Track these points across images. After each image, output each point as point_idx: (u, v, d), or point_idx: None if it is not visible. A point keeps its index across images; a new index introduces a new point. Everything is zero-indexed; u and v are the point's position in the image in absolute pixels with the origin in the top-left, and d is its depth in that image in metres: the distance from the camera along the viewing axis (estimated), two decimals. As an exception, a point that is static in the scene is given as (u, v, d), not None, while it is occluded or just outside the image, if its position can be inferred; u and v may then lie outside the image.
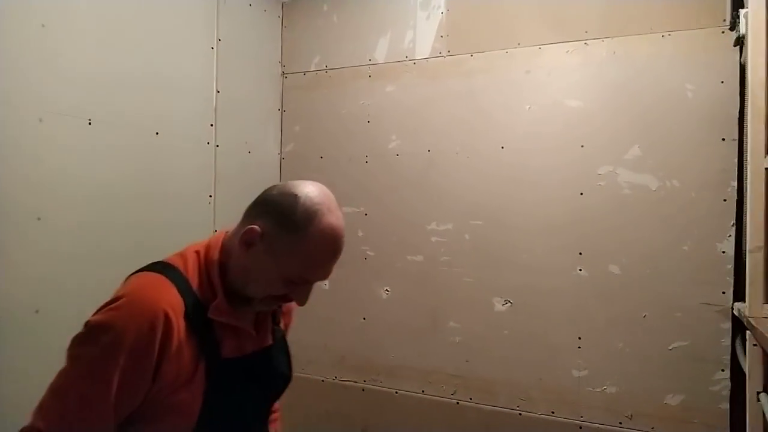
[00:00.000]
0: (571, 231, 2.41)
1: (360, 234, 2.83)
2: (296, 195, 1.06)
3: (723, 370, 2.16)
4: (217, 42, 2.69)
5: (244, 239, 1.06)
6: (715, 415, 2.15)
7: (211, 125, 2.67)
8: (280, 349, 1.31)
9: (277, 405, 1.41)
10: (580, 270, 2.39)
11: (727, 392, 2.14)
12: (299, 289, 1.11)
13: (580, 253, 2.39)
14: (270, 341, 1.26)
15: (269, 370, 1.24)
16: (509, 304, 2.51)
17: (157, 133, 2.37)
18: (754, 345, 1.76)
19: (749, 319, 1.76)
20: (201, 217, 2.62)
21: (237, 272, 1.10)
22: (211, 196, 2.65)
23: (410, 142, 2.74)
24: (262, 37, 3.01)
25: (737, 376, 2.14)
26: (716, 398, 2.16)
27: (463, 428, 2.55)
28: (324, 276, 1.10)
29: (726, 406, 2.14)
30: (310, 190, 1.08)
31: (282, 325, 1.36)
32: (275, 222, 1.05)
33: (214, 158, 2.67)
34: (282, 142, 3.06)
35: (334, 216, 1.08)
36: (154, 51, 2.36)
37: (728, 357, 2.15)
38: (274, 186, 1.12)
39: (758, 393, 1.74)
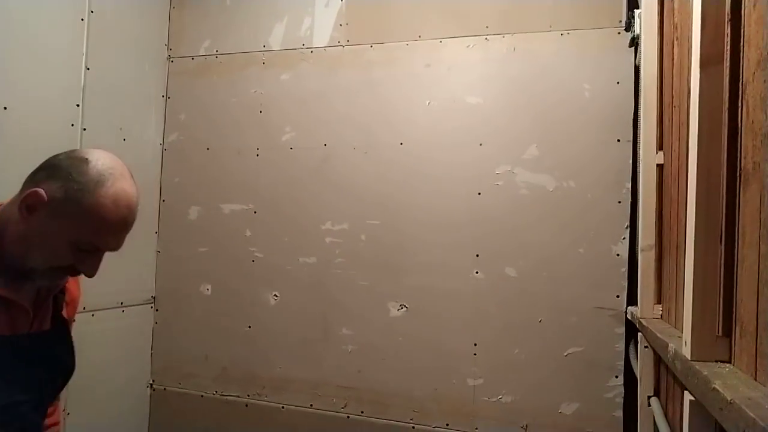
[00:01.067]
0: (469, 232, 2.29)
1: (248, 234, 2.59)
2: (87, 159, 1.02)
3: (617, 377, 2.10)
4: (89, 13, 2.38)
5: (25, 203, 0.96)
6: (608, 424, 2.09)
7: (78, 105, 2.35)
8: (61, 337, 1.17)
9: (57, 417, 1.20)
10: (477, 272, 2.28)
11: (620, 399, 2.08)
12: (88, 259, 1.05)
13: (477, 255, 2.28)
14: (48, 326, 1.13)
15: (45, 357, 1.10)
16: (405, 308, 2.35)
17: (5, 108, 2.04)
18: (646, 347, 1.69)
19: (641, 320, 1.70)
20: (60, 209, 2.28)
21: (15, 241, 0.99)
22: (73, 186, 2.32)
23: (305, 136, 2.54)
24: (145, 15, 2.72)
25: (630, 382, 2.09)
26: (610, 405, 2.09)
27: (354, 445, 2.36)
28: (115, 246, 1.06)
29: (619, 413, 2.08)
30: (101, 155, 1.05)
31: (65, 313, 1.17)
32: (63, 185, 0.97)
33: (79, 143, 2.35)
34: (165, 131, 2.77)
35: (127, 183, 1.06)
36: (10, 10, 2.04)
37: (622, 363, 2.10)
38: (61, 153, 1.05)
39: (649, 397, 1.67)
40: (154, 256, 2.73)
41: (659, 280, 1.72)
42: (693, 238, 1.02)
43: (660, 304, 1.71)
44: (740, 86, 0.95)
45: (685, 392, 1.03)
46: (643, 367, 1.69)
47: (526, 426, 2.17)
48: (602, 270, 2.15)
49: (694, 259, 1.02)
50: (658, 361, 1.67)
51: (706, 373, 0.88)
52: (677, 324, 1.46)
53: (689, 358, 0.99)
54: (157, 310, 2.70)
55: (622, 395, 2.08)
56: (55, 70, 2.25)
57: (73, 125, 2.33)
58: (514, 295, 2.23)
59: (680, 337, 1.31)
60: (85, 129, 2.37)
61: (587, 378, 2.12)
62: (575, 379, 2.14)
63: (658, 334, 1.35)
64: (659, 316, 1.69)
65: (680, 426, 1.30)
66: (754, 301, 0.84)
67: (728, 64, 0.99)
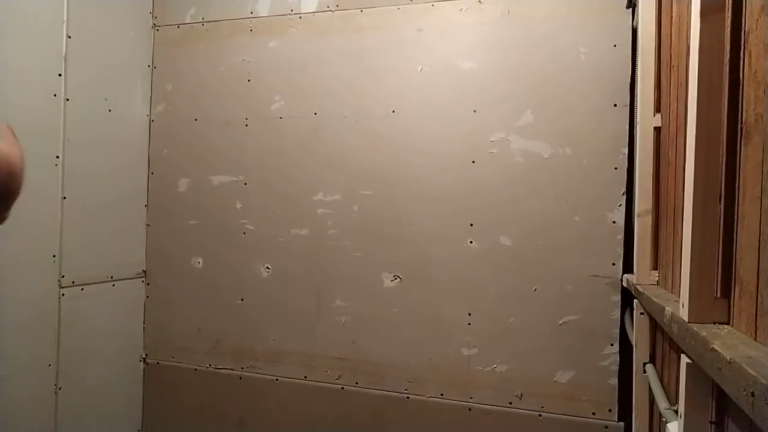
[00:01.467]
0: (463, 201, 2.25)
1: (238, 206, 2.54)
2: None
3: (612, 345, 2.08)
4: (68, -21, 2.30)
5: None
6: (603, 392, 2.08)
7: (60, 75, 2.28)
8: None
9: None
10: (471, 242, 2.24)
11: (615, 367, 2.07)
12: None
13: (472, 224, 2.24)
14: None
15: None
16: (398, 279, 2.32)
17: (-18, 79, 1.98)
18: (642, 314, 1.67)
19: (636, 286, 1.67)
20: (45, 182, 2.23)
21: None
22: (58, 157, 2.27)
23: (295, 104, 2.48)
24: (128, -19, 2.63)
25: (626, 350, 2.08)
26: (605, 374, 2.08)
27: (348, 415, 2.35)
28: None
29: (614, 381, 2.07)
30: None
31: None
32: None
33: (62, 114, 2.29)
34: (152, 102, 2.70)
35: (7, 143, 0.85)
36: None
37: (617, 331, 2.08)
38: None
39: (644, 364, 1.65)
40: (144, 230, 2.69)
41: (656, 246, 1.69)
42: (691, 198, 0.99)
43: (656, 270, 1.68)
44: (742, 35, 0.90)
45: (682, 356, 1.00)
46: (638, 333, 1.67)
47: (521, 395, 2.16)
48: (598, 237, 2.11)
49: (692, 220, 0.98)
50: (654, 327, 1.65)
51: (704, 334, 0.85)
52: (674, 289, 1.43)
53: (686, 320, 0.96)
54: (148, 284, 2.67)
55: (618, 363, 2.07)
56: (35, 38, 2.18)
57: (55, 95, 2.27)
58: (509, 264, 2.20)
59: (677, 301, 1.28)
60: (68, 99, 2.31)
61: (582, 346, 2.11)
62: (570, 347, 2.12)
63: (654, 299, 1.32)
64: (655, 282, 1.66)
65: (676, 391, 1.28)
66: (754, 259, 0.80)
67: (730, 12, 0.94)
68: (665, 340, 1.48)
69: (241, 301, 2.52)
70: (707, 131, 0.98)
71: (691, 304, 0.96)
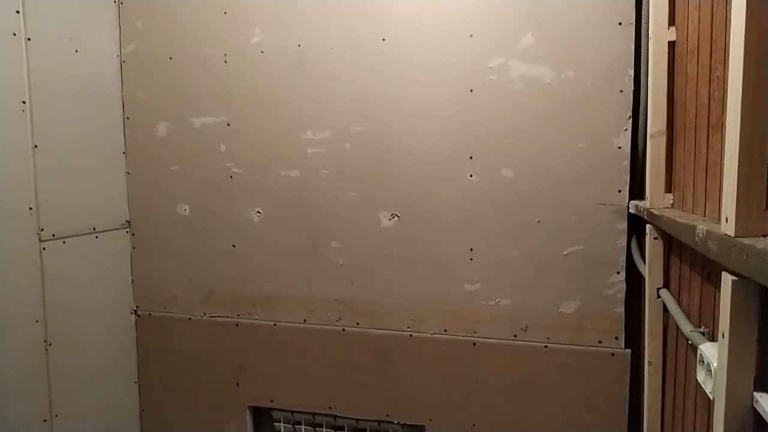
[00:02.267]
0: (461, 133, 2.15)
1: (222, 148, 2.41)
2: None
3: (618, 273, 2.04)
4: None
5: None
6: (610, 320, 2.05)
7: (18, 12, 2.08)
8: None
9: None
10: (471, 176, 2.15)
11: (622, 295, 2.04)
12: None
13: (471, 157, 2.15)
14: None
15: None
16: (396, 218, 2.24)
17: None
18: (655, 239, 1.61)
19: (650, 210, 1.61)
20: (13, 130, 2.07)
21: None
22: (24, 102, 2.10)
23: (277, 36, 2.31)
24: None
25: (632, 278, 2.04)
26: (611, 302, 2.05)
27: (351, 356, 2.31)
28: None
29: (621, 309, 2.04)
30: None
31: None
32: None
33: (24, 55, 2.10)
34: (121, 41, 2.50)
35: None
36: None
37: (623, 259, 2.04)
38: None
39: (658, 289, 1.62)
40: (124, 178, 2.54)
41: (670, 167, 1.62)
42: (738, 106, 0.89)
43: (670, 192, 1.62)
44: None
45: (724, 274, 0.94)
46: (652, 259, 1.62)
47: (526, 327, 2.13)
48: (603, 164, 2.04)
49: (740, 130, 0.89)
50: (669, 252, 1.60)
51: (761, 246, 0.78)
52: (695, 210, 1.37)
53: (733, 235, 0.89)
54: (133, 234, 2.55)
55: (624, 291, 2.04)
56: (-16, -32, 1.97)
57: (15, 35, 2.07)
58: (511, 197, 2.12)
59: (705, 219, 1.22)
60: (29, 39, 2.11)
61: (588, 276, 2.07)
62: (575, 277, 2.08)
63: (679, 219, 1.26)
64: (670, 205, 1.60)
65: (699, 314, 1.23)
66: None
67: None
68: (685, 263, 1.43)
69: (232, 248, 2.42)
70: (756, 35, 0.88)
71: (739, 217, 0.89)
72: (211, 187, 2.43)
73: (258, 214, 2.38)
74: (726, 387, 0.89)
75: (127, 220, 2.55)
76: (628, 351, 2.04)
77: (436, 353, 2.21)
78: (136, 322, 2.56)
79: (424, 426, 2.25)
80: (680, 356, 1.45)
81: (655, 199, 1.62)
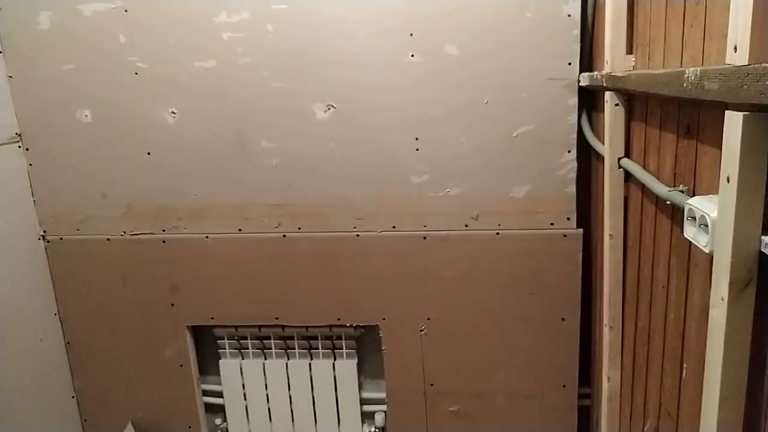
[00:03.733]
0: (399, 6, 1.91)
1: (122, 40, 2.05)
2: None
3: (569, 151, 1.95)
4: None
5: None
6: (561, 201, 1.99)
7: None
8: None
9: None
10: (413, 55, 1.95)
11: (573, 174, 1.96)
12: None
13: (412, 35, 1.93)
14: None
15: None
16: (332, 109, 2.02)
17: None
18: (616, 105, 1.50)
19: (611, 75, 1.48)
20: None
21: None
22: None
23: None
24: None
25: (582, 156, 1.96)
26: (562, 182, 1.97)
27: (295, 263, 2.15)
28: None
29: (572, 189, 1.97)
30: None
31: None
32: None
33: None
34: None
35: None
36: None
37: (574, 137, 1.94)
38: None
39: (619, 159, 1.53)
40: (7, 84, 2.15)
41: (631, 26, 1.49)
42: None
43: (631, 54, 1.49)
44: None
45: (728, 113, 0.82)
46: (613, 127, 1.51)
47: (477, 216, 2.04)
48: (552, 35, 1.88)
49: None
50: (630, 119, 1.50)
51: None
52: (666, 63, 1.25)
53: (745, 63, 0.76)
54: (27, 149, 2.20)
55: (575, 170, 1.96)
56: None
57: None
58: (457, 77, 1.95)
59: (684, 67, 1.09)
60: None
61: (538, 157, 1.97)
62: (526, 160, 1.98)
63: (656, 72, 1.13)
64: (632, 68, 1.48)
65: (674, 175, 1.13)
66: None
67: None
68: (652, 126, 1.32)
69: (148, 156, 2.14)
70: None
71: (754, 43, 0.76)
72: (113, 86, 2.09)
73: (173, 115, 2.09)
74: (733, 234, 0.80)
75: (18, 132, 2.18)
76: (580, 231, 1.99)
77: (385, 251, 2.09)
78: (46, 248, 2.27)
79: (378, 325, 2.17)
80: (647, 224, 1.39)
81: (617, 61, 1.49)
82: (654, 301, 1.34)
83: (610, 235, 1.56)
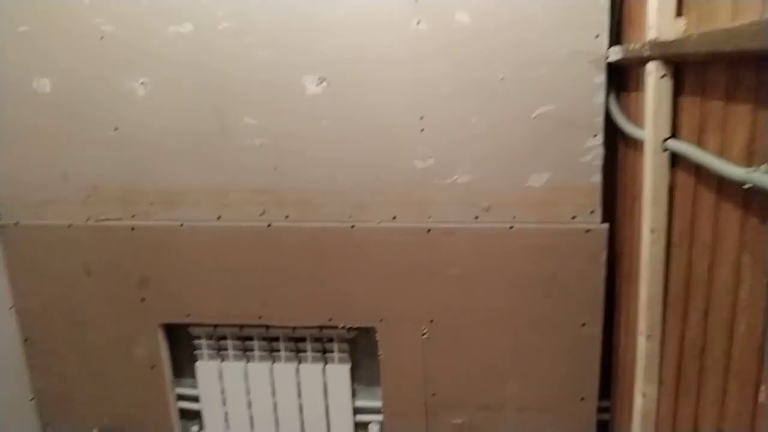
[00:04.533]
0: (405, -37, 1.67)
1: (85, 0, 1.80)
2: None
3: (595, 136, 1.72)
4: None
5: None
6: (585, 192, 1.75)
7: None
8: None
9: None
10: (418, 23, 1.70)
11: (599, 162, 1.73)
12: None
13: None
14: None
15: None
16: (325, 82, 1.77)
17: None
18: (663, 77, 1.27)
19: (658, 41, 1.25)
20: None
21: None
22: None
23: None
24: None
25: (608, 142, 1.73)
26: (587, 171, 1.74)
27: (281, 256, 1.91)
28: None
29: (598, 178, 1.74)
30: None
31: None
32: None
33: None
34: None
35: None
36: None
37: (601, 119, 1.71)
38: None
39: (664, 140, 1.29)
40: (-48, 47, 1.89)
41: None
42: None
43: (681, 16, 1.26)
44: None
45: None
46: (658, 102, 1.28)
47: (488, 207, 1.80)
48: (578, 3, 1.65)
49: None
50: (677, 94, 1.27)
51: None
52: (735, 16, 1.01)
53: None
54: (-23, 122, 1.94)
55: (602, 157, 1.73)
56: None
57: None
58: (468, 49, 1.70)
59: None
60: None
61: (560, 142, 1.73)
62: (546, 144, 1.74)
63: (734, 26, 0.90)
64: (682, 33, 1.25)
65: (748, 151, 0.91)
66: None
67: None
68: (714, 98, 1.09)
69: (115, 132, 1.88)
70: None
71: None
72: (76, 52, 1.84)
73: (143, 86, 1.84)
74: None
75: (-33, 103, 1.92)
76: (605, 226, 1.76)
77: (384, 245, 1.85)
78: (-1, 234, 2.02)
79: (374, 327, 1.94)
80: (702, 216, 1.15)
81: (664, 24, 1.26)
82: (713, 308, 1.11)
83: (652, 230, 1.33)
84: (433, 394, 1.96)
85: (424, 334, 1.91)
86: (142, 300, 2.01)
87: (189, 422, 2.21)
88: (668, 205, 1.32)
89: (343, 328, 1.96)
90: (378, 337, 1.93)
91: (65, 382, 2.14)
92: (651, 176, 1.32)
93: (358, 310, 1.92)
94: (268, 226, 1.88)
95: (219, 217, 1.91)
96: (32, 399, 2.15)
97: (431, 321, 1.89)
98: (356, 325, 1.96)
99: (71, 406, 2.16)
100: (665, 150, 1.29)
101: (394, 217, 1.84)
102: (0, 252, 2.02)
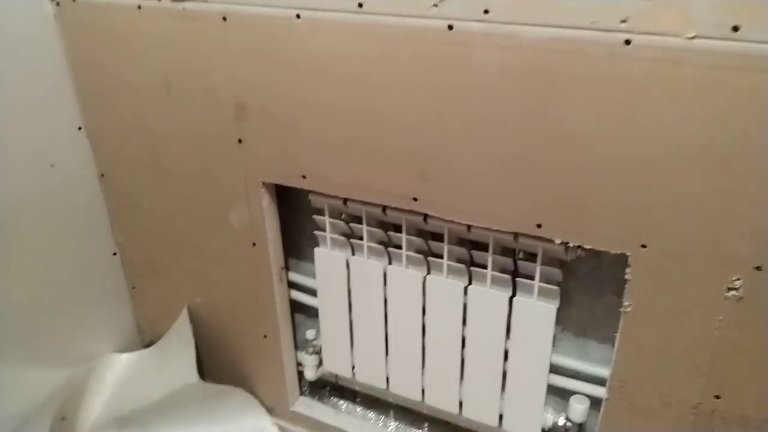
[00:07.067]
0: None
1: None
2: None
3: None
4: None
5: None
6: None
7: None
8: None
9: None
10: None
11: None
12: None
13: None
14: None
15: None
16: None
17: None
18: None
19: None
20: None
21: None
22: None
23: None
24: None
25: None
26: None
27: (462, 91, 0.99)
28: None
29: None
30: None
31: None
32: None
33: None
34: None
35: None
36: None
37: None
38: None
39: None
40: None
41: None
42: None
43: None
44: None
45: None
46: None
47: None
48: None
49: None
50: None
51: None
52: None
53: None
54: None
55: None
56: None
57: None
58: None
59: None
60: None
61: None
62: None
63: None
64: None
65: None
66: None
67: None
68: None
69: None
70: None
71: None
72: None
73: None
74: None
75: None
76: None
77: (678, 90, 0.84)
78: (55, 12, 1.36)
79: (625, 255, 1.00)
80: None
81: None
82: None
83: None
84: (717, 397, 1.02)
85: (733, 290, 0.93)
86: (239, 141, 1.27)
87: (308, 319, 1.57)
88: None
89: (560, 243, 1.05)
90: (630, 273, 1.00)
91: (149, 241, 1.57)
92: None
93: (599, 219, 0.98)
94: (449, 28, 0.95)
95: (360, 5, 1.02)
96: (114, 253, 1.63)
97: (758, 268, 0.90)
98: (591, 246, 1.03)
99: (158, 270, 1.62)
100: None
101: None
102: (58, 38, 1.37)
